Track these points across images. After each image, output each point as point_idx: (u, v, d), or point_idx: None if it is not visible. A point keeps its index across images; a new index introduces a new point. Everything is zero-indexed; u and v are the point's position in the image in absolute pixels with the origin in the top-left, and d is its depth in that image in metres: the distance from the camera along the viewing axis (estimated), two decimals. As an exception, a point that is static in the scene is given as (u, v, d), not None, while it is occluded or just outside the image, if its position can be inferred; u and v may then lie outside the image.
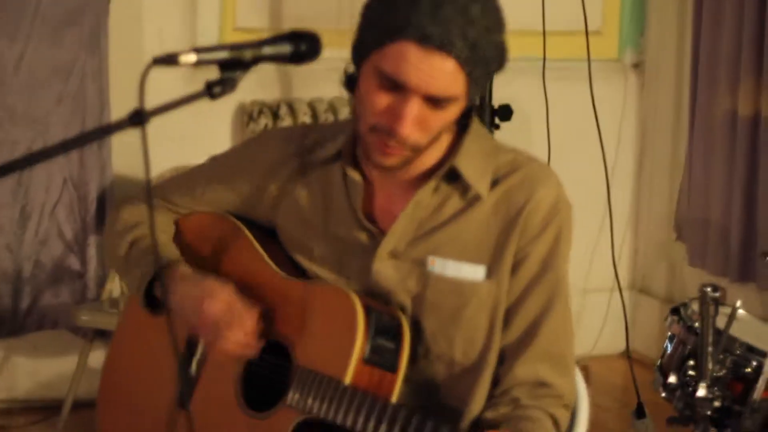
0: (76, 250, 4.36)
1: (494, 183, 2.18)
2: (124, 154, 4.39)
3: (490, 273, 2.16)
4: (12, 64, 4.22)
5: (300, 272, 2.27)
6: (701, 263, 4.67)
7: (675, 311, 3.20)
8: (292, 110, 4.49)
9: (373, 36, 2.07)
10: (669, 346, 3.17)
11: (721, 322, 2.95)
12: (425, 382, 2.19)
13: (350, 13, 4.70)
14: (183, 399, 2.31)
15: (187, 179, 2.44)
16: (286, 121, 4.46)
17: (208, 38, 4.57)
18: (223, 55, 1.71)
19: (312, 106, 4.53)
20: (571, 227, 2.21)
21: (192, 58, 1.68)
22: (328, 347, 2.13)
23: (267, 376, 2.23)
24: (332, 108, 4.54)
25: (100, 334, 4.19)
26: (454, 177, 2.18)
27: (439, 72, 2.03)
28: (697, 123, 4.66)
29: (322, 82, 4.61)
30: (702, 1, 4.60)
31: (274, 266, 2.26)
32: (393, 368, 2.11)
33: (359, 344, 2.08)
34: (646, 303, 5.14)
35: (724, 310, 3.02)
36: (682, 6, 4.91)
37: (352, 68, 2.16)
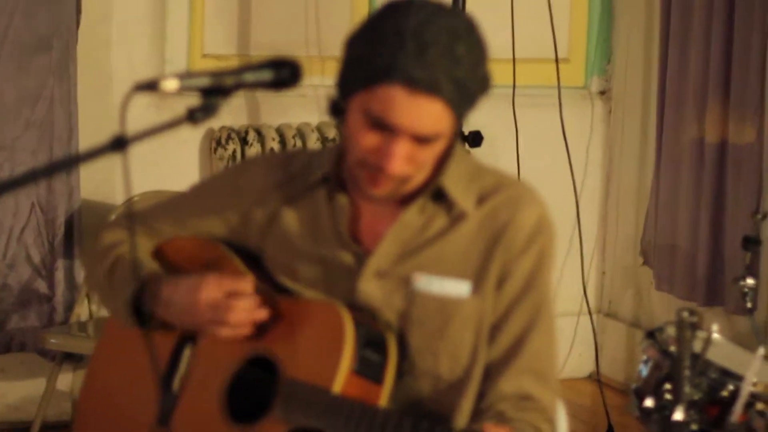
0: (44, 274, 4.33)
1: (479, 201, 2.20)
2: (92, 179, 4.37)
3: (475, 289, 2.18)
4: (-21, 89, 4.20)
5: (285, 293, 2.27)
6: (668, 288, 4.69)
7: (650, 335, 3.21)
8: (260, 136, 4.48)
9: (359, 75, 2.07)
10: (644, 369, 3.18)
11: (696, 346, 2.97)
12: (411, 398, 2.19)
13: (317, 41, 4.72)
14: (163, 416, 2.30)
15: (172, 207, 2.44)
16: (255, 147, 4.45)
17: (177, 64, 4.55)
18: (204, 81, 1.72)
19: (280, 132, 4.52)
20: (554, 247, 2.23)
21: (174, 84, 1.68)
22: (316, 357, 2.13)
23: (253, 389, 2.22)
24: (300, 134, 4.53)
25: (69, 357, 4.20)
26: (439, 196, 2.19)
27: (426, 113, 2.05)
28: (664, 149, 4.68)
29: (290, 108, 4.62)
30: (668, 29, 4.63)
31: (259, 283, 2.26)
32: (379, 380, 2.12)
33: (349, 354, 2.09)
34: (613, 327, 5.16)
35: (700, 334, 3.04)
36: (649, 34, 4.94)
37: (335, 95, 2.16)
